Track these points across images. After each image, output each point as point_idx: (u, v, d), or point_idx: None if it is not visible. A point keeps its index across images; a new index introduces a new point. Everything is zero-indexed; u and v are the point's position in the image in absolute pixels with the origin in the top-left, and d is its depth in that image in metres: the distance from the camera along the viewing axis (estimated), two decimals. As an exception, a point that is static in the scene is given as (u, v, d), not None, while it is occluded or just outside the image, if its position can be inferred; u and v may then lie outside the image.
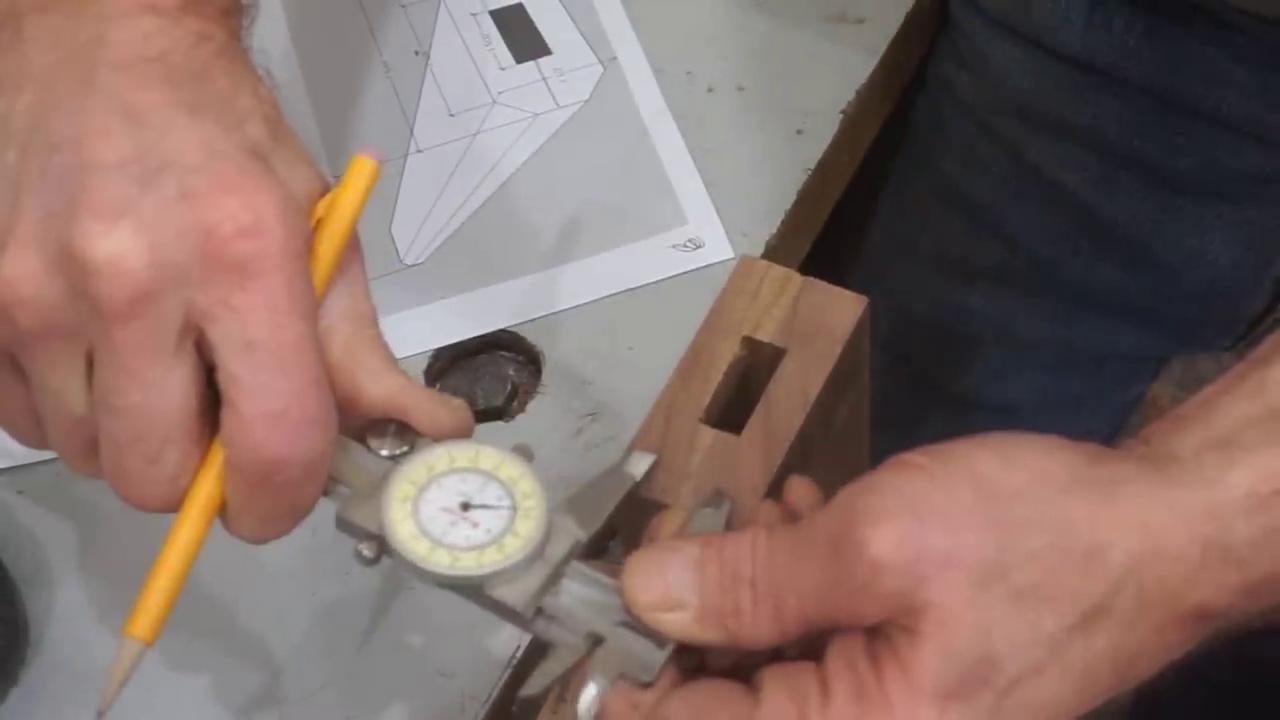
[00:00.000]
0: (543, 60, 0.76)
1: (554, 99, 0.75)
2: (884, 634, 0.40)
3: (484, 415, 0.65)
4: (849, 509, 0.41)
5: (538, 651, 0.59)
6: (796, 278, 0.51)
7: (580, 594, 0.44)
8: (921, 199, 0.86)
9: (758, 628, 0.41)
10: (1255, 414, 0.42)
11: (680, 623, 0.42)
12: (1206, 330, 0.84)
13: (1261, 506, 0.41)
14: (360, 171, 0.48)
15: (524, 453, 0.47)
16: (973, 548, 0.40)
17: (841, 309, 0.50)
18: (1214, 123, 0.74)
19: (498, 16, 0.78)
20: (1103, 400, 0.89)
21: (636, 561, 0.43)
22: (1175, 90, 0.74)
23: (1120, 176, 0.77)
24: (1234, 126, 0.73)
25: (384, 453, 0.47)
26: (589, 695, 0.42)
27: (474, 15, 0.78)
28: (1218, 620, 0.41)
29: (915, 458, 0.41)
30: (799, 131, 0.72)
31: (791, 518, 0.45)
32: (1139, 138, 0.76)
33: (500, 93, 0.75)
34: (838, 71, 0.74)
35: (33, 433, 0.48)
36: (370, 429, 0.48)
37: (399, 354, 0.66)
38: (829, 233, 0.77)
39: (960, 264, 0.84)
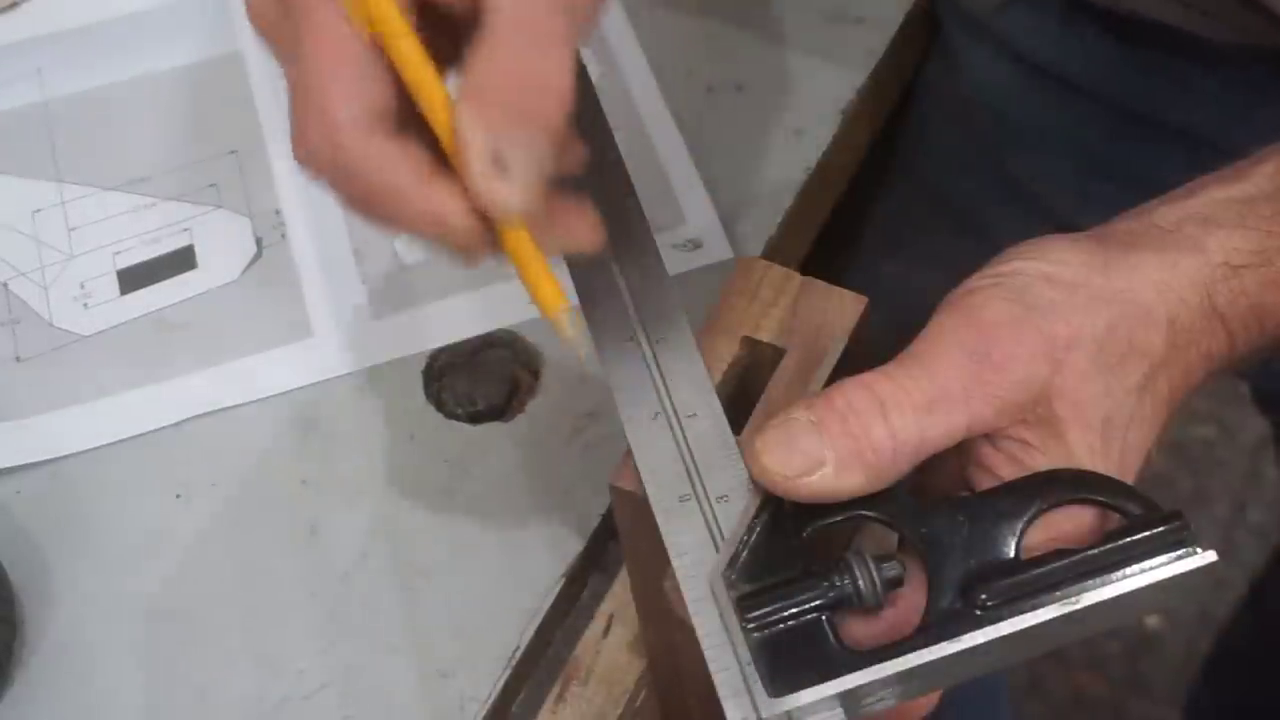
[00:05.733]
0: (542, 60, 0.76)
1: (554, 99, 0.74)
2: (1021, 431, 0.45)
3: (484, 415, 0.65)
4: (967, 317, 0.45)
5: (538, 650, 0.59)
6: (796, 278, 0.51)
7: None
8: (909, 199, 0.86)
9: (898, 455, 0.43)
10: (1233, 196, 0.48)
11: (824, 479, 0.43)
12: None
13: (1234, 275, 0.47)
14: None
15: None
16: (1085, 328, 0.45)
17: (841, 309, 0.50)
18: (1187, 136, 0.73)
19: (497, 16, 0.78)
20: None
21: (763, 442, 0.44)
22: (1149, 103, 0.74)
23: (1098, 187, 0.77)
24: (1208, 142, 0.73)
25: None
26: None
27: (473, 15, 0.78)
28: (1214, 366, 0.48)
29: (978, 283, 0.46)
30: (799, 131, 0.72)
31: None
32: (1116, 147, 0.76)
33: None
34: (838, 71, 0.74)
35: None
36: None
37: (399, 354, 0.67)
38: (829, 233, 0.76)
39: (950, 266, 0.84)
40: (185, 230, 0.71)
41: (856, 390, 0.44)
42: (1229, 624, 1.29)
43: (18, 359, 0.68)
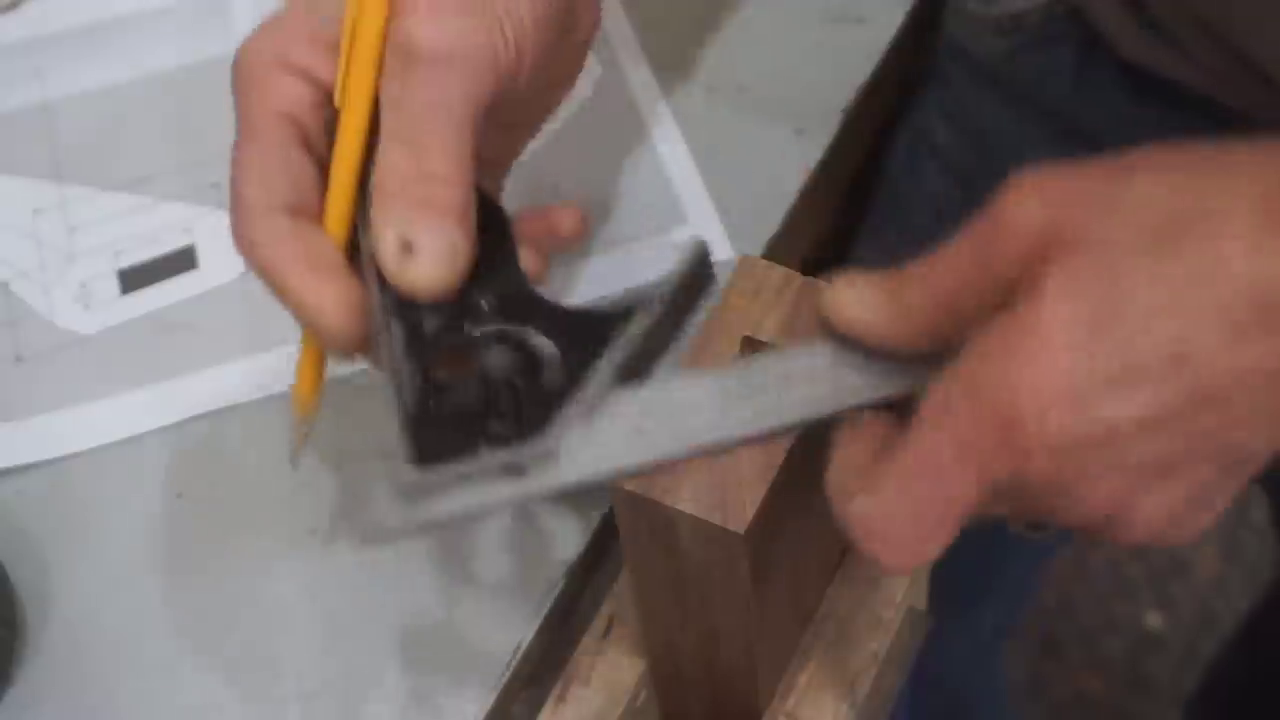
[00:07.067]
0: (543, 60, 0.76)
1: (554, 99, 0.75)
2: (1016, 279, 0.40)
3: (484, 415, 0.65)
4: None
5: (537, 650, 0.59)
6: (796, 278, 0.51)
7: None
8: (894, 248, 0.86)
9: (923, 300, 0.42)
10: None
11: (862, 314, 0.43)
12: None
13: None
14: None
15: None
16: (1099, 179, 0.40)
17: (842, 309, 0.50)
18: None
19: (498, 16, 0.78)
20: None
21: (838, 282, 0.44)
22: None
23: None
24: None
25: None
26: None
27: (474, 15, 0.78)
28: None
29: None
30: (799, 131, 0.72)
31: None
32: None
33: (500, 92, 0.75)
34: (838, 71, 0.74)
35: None
36: None
37: (398, 354, 0.67)
38: (829, 233, 0.76)
39: None
40: (186, 230, 0.71)
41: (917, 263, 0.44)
42: (1219, 661, 1.28)
43: (18, 359, 0.68)
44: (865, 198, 0.84)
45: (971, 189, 0.79)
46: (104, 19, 0.80)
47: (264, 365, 0.67)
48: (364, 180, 0.51)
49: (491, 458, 0.45)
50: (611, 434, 0.45)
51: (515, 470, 0.45)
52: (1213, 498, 0.43)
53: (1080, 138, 0.75)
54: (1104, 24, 0.71)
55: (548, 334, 0.48)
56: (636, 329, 0.47)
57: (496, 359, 0.47)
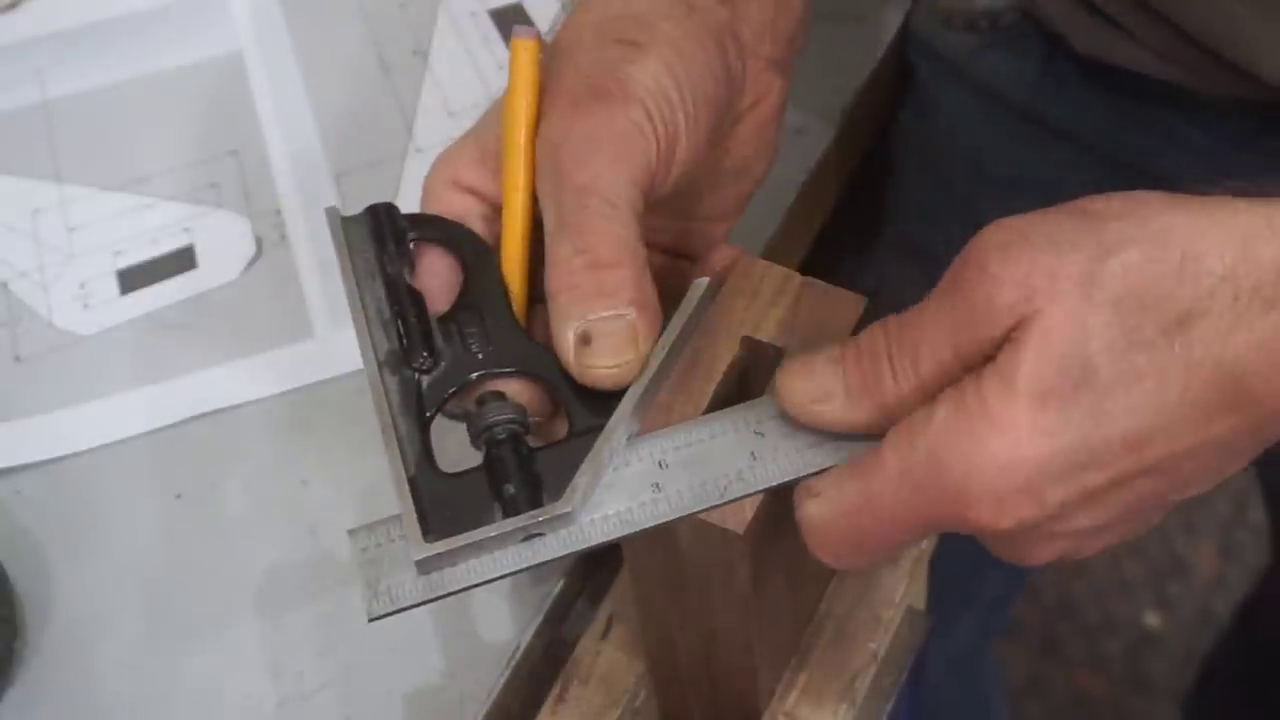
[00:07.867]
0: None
1: (554, 99, 0.74)
2: (991, 357, 0.41)
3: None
4: (965, 250, 0.42)
5: (537, 650, 0.59)
6: (796, 278, 0.51)
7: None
8: (881, 250, 0.86)
9: (900, 391, 0.43)
10: None
11: (833, 410, 0.44)
12: None
13: None
14: (519, 56, 0.51)
15: None
16: (1075, 262, 0.41)
17: (841, 309, 0.50)
18: (1169, 186, 0.72)
19: (497, 16, 0.78)
20: None
21: (785, 369, 0.45)
22: (1131, 151, 0.73)
23: None
24: (1191, 192, 0.72)
25: None
26: None
27: (473, 15, 0.78)
28: None
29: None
30: (799, 131, 0.72)
31: None
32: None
33: (500, 92, 0.75)
34: (838, 71, 0.74)
35: None
36: None
37: (398, 354, 0.66)
38: (829, 233, 0.76)
39: None
40: (185, 230, 0.71)
41: (874, 331, 0.44)
42: (1215, 651, 1.29)
43: (18, 359, 0.68)
44: (864, 198, 0.84)
45: (947, 189, 0.80)
46: (104, 19, 0.80)
47: (263, 365, 0.67)
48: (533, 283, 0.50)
49: (507, 524, 0.44)
50: (628, 492, 0.45)
51: (532, 535, 0.44)
52: (1146, 525, 0.45)
53: (1046, 131, 0.75)
54: (1056, 20, 0.71)
55: (549, 382, 0.47)
56: (646, 376, 0.47)
57: (498, 413, 0.46)
